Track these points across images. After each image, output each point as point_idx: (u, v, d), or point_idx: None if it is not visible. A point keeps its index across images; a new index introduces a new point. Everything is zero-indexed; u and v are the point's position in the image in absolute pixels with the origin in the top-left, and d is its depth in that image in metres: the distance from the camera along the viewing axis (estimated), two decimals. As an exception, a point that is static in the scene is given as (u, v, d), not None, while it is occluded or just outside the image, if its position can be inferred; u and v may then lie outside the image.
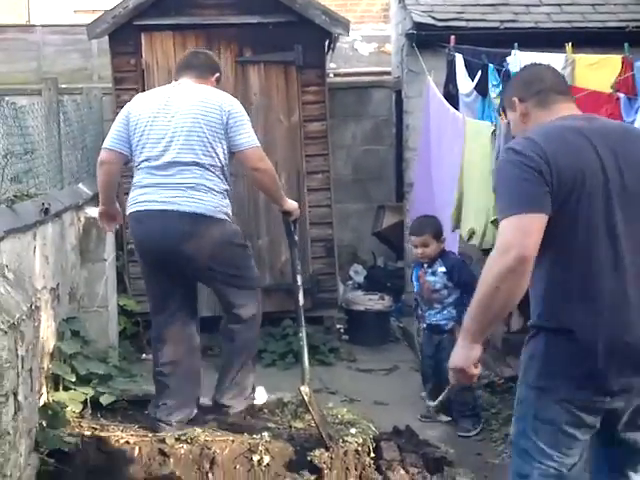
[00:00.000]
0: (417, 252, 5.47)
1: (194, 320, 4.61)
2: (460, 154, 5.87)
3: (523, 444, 2.85)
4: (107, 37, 7.18)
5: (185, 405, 4.47)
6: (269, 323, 6.90)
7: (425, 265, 5.45)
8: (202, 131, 4.31)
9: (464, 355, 2.83)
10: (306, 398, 4.42)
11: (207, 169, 4.33)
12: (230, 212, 4.47)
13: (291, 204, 4.63)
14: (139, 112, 4.44)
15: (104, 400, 4.55)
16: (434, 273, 5.39)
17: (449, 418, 5.41)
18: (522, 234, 2.68)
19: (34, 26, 10.93)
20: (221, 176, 4.39)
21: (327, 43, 7.51)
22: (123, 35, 7.06)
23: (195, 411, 4.52)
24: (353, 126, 8.74)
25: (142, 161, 4.39)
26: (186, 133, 4.32)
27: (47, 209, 4.46)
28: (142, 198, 4.38)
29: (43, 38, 10.22)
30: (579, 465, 2.84)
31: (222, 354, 4.74)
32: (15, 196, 4.21)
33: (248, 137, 4.36)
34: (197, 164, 4.33)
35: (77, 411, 4.31)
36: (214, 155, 4.34)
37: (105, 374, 4.71)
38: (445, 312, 5.38)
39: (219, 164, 4.36)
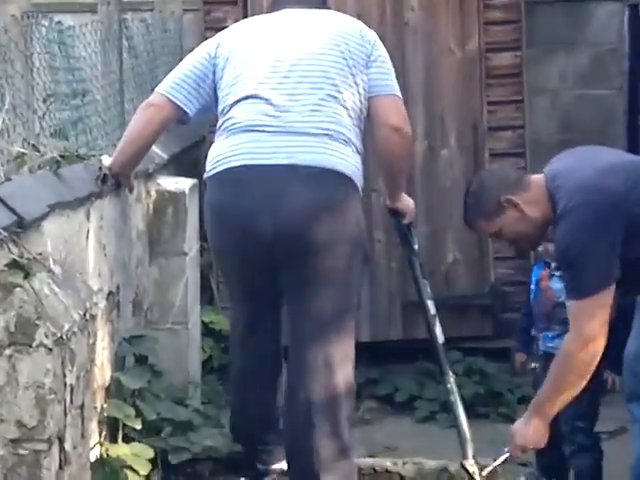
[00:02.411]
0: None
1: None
2: None
3: None
4: None
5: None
6: (424, 357, 6.97)
7: (552, 265, 5.60)
8: (342, 56, 4.40)
9: (540, 436, 4.33)
10: (476, 477, 4.52)
11: (348, 111, 4.37)
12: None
13: (407, 201, 4.83)
14: (239, 35, 4.57)
15: (179, 458, 4.71)
16: (563, 278, 5.44)
17: None
18: (601, 317, 4.10)
19: None
20: (360, 130, 4.45)
21: None
22: None
23: None
24: (562, 59, 8.68)
25: (245, 97, 4.36)
26: (318, 56, 4.40)
27: (105, 176, 4.60)
28: (243, 147, 4.32)
29: None
30: None
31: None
32: (62, 156, 4.37)
33: (392, 82, 4.51)
34: (336, 99, 4.35)
35: (143, 473, 4.40)
36: (356, 93, 4.40)
37: (183, 421, 4.85)
38: None
39: (360, 109, 4.43)
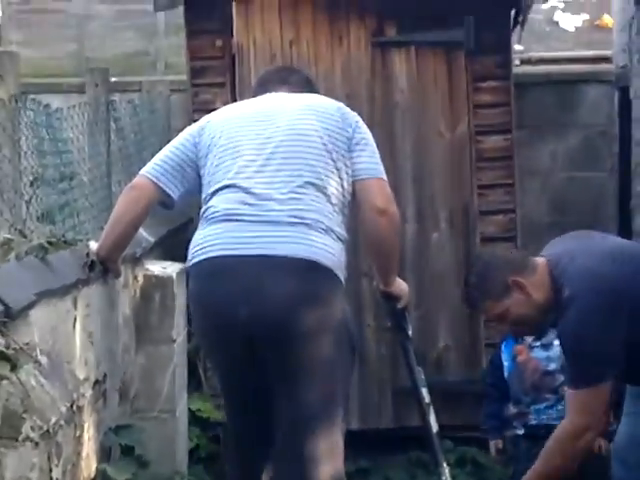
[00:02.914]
0: None
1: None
2: None
3: None
4: (181, 7, 7.47)
5: None
6: (417, 446, 6.90)
7: (526, 339, 5.74)
8: (322, 142, 4.39)
9: None
10: None
11: (329, 198, 4.34)
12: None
13: (401, 284, 4.79)
14: (225, 118, 4.58)
15: None
16: (547, 347, 5.74)
17: None
18: (600, 409, 4.17)
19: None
20: (343, 216, 4.43)
21: (513, 15, 7.60)
22: (205, 4, 7.36)
23: None
24: (552, 141, 8.74)
25: (224, 187, 4.37)
26: (298, 142, 4.39)
27: (92, 262, 4.59)
28: (221, 237, 4.32)
29: (87, 8, 10.57)
30: None
31: None
32: (49, 242, 4.36)
33: (377, 164, 4.50)
34: (315, 186, 4.32)
35: None
36: (338, 179, 4.38)
37: (168, 514, 4.83)
38: (560, 406, 5.58)
39: (342, 194, 4.41)
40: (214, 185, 4.40)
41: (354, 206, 4.52)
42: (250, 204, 4.29)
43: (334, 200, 4.36)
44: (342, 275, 4.37)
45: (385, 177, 4.51)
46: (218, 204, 4.35)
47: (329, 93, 5.36)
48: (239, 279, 4.23)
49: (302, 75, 4.99)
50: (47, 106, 5.16)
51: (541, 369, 5.78)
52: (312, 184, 4.32)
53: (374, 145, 4.53)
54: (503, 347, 5.96)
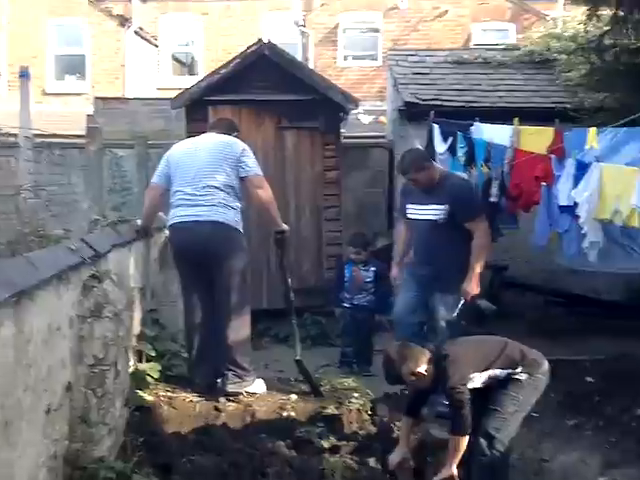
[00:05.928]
0: (352, 256, 5.89)
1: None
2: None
3: None
4: (184, 108, 7.24)
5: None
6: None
7: (360, 264, 5.81)
8: (221, 162, 4.24)
9: (477, 284, 4.37)
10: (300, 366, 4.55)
11: (225, 191, 4.23)
12: (241, 227, 4.32)
13: (284, 226, 4.46)
14: (176, 153, 4.42)
15: (174, 371, 4.52)
16: (367, 270, 5.81)
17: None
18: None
19: (129, 99, 11.00)
20: (235, 196, 4.30)
21: (341, 114, 7.53)
22: (196, 107, 7.14)
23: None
24: (358, 175, 8.68)
25: (177, 189, 4.30)
26: (211, 164, 4.25)
27: (138, 230, 4.47)
28: (179, 213, 4.27)
29: (136, 107, 10.25)
30: None
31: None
32: (118, 221, 4.22)
33: (254, 167, 4.31)
34: (218, 188, 4.22)
35: (155, 377, 4.26)
36: (230, 181, 4.25)
37: (175, 351, 4.70)
38: (368, 297, 5.83)
39: (234, 187, 4.28)
40: (174, 187, 4.33)
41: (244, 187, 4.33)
42: (188, 199, 4.23)
43: (230, 191, 4.24)
44: (239, 227, 4.28)
45: (259, 172, 4.31)
46: (174, 199, 4.32)
47: (256, 152, 5.14)
48: (189, 231, 4.23)
49: (227, 122, 4.76)
50: (116, 154, 4.98)
51: (363, 280, 5.76)
52: (216, 186, 4.21)
53: (253, 157, 4.33)
54: (347, 267, 5.87)
